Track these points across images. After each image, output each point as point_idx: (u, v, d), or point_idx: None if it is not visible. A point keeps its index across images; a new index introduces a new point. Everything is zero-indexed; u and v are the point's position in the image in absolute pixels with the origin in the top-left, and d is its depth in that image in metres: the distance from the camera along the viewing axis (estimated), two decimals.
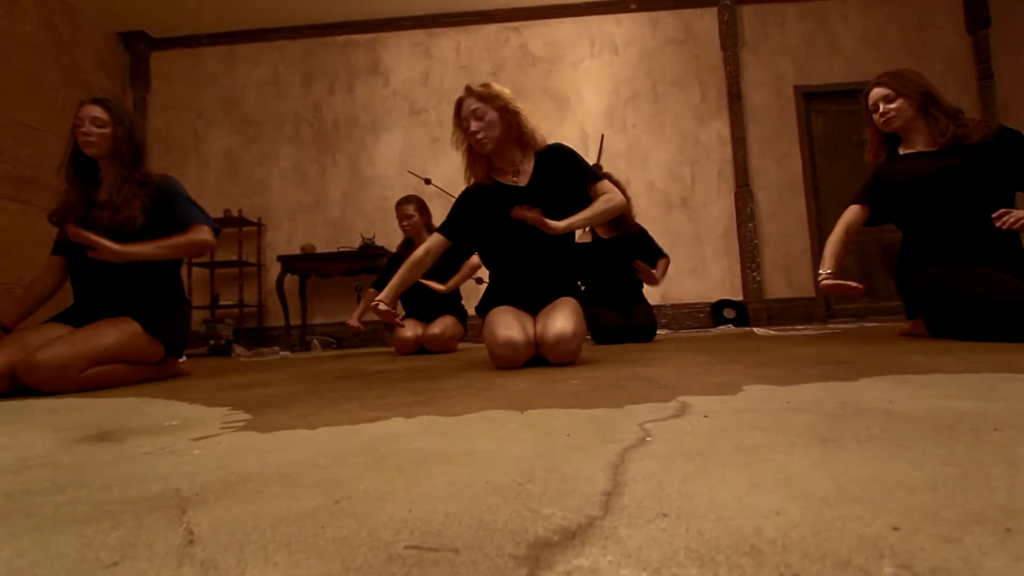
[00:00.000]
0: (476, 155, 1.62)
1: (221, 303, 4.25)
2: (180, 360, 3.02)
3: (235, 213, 4.24)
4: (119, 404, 1.13)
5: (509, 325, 1.44)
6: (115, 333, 1.58)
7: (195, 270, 4.28)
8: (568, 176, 1.59)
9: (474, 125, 1.55)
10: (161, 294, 1.75)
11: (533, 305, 1.61)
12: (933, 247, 1.70)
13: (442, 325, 2.46)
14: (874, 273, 4.28)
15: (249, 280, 4.39)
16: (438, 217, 3.40)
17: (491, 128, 1.56)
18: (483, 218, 1.61)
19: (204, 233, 1.72)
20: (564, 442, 0.55)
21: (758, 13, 4.39)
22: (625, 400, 0.79)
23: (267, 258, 4.41)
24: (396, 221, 2.75)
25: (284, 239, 4.45)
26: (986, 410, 0.58)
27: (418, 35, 4.54)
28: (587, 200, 1.57)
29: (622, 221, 2.55)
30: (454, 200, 1.72)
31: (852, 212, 1.91)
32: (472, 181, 1.66)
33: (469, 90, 1.60)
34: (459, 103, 1.60)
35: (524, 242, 1.57)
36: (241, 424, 0.79)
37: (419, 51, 4.54)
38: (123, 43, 4.57)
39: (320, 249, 4.24)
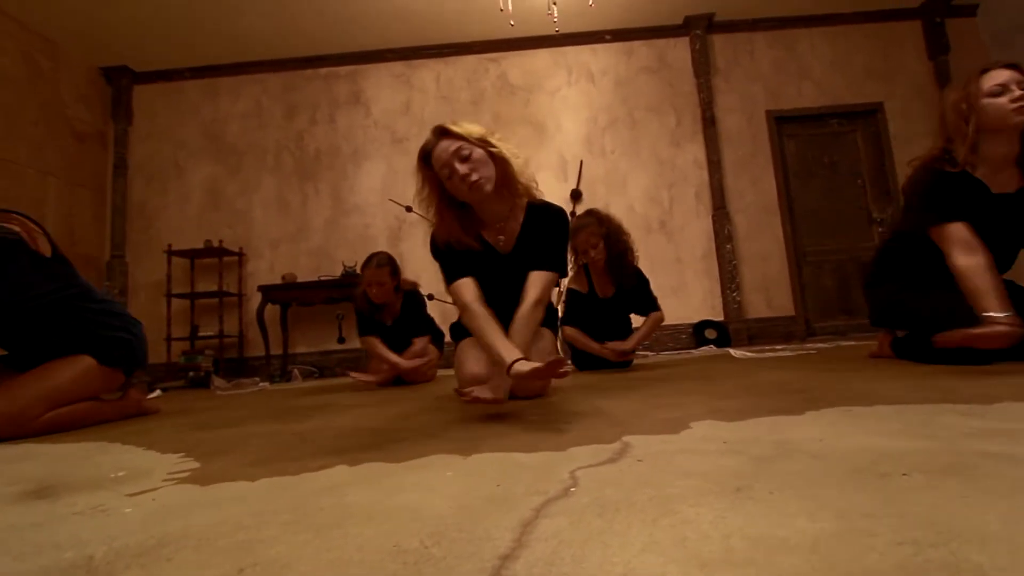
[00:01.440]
0: (453, 214, 1.37)
1: (201, 334, 4.20)
2: (152, 395, 2.99)
3: (216, 243, 4.23)
4: (73, 451, 1.11)
5: (479, 360, 1.43)
6: (69, 371, 1.55)
7: (175, 301, 4.24)
8: (546, 242, 1.41)
9: (461, 168, 1.28)
10: (99, 324, 1.67)
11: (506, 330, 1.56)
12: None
13: (418, 352, 2.45)
14: (851, 291, 4.35)
15: (230, 310, 4.35)
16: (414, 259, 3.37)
17: (484, 166, 1.30)
18: (467, 261, 1.41)
19: None
20: (490, 493, 0.55)
21: (729, 42, 4.54)
22: (571, 441, 0.79)
23: (248, 288, 4.39)
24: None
25: (266, 268, 4.44)
26: (907, 450, 0.59)
27: (398, 67, 4.63)
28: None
29: (621, 272, 2.38)
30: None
31: (960, 230, 1.42)
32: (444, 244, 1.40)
33: (441, 131, 1.33)
34: (425, 152, 1.34)
35: (504, 291, 1.40)
36: (185, 475, 0.78)
37: (400, 82, 4.62)
38: (105, 77, 4.60)
39: (302, 278, 4.23)
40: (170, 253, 4.21)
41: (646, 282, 2.52)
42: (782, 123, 4.47)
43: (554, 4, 2.78)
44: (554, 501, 0.51)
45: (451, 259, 1.40)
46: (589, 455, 0.69)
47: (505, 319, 1.33)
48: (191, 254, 4.27)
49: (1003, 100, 1.37)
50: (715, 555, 0.36)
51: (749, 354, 2.69)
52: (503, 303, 1.38)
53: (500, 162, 1.34)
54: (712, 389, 1.32)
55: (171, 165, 4.59)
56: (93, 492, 0.72)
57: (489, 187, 1.31)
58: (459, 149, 1.29)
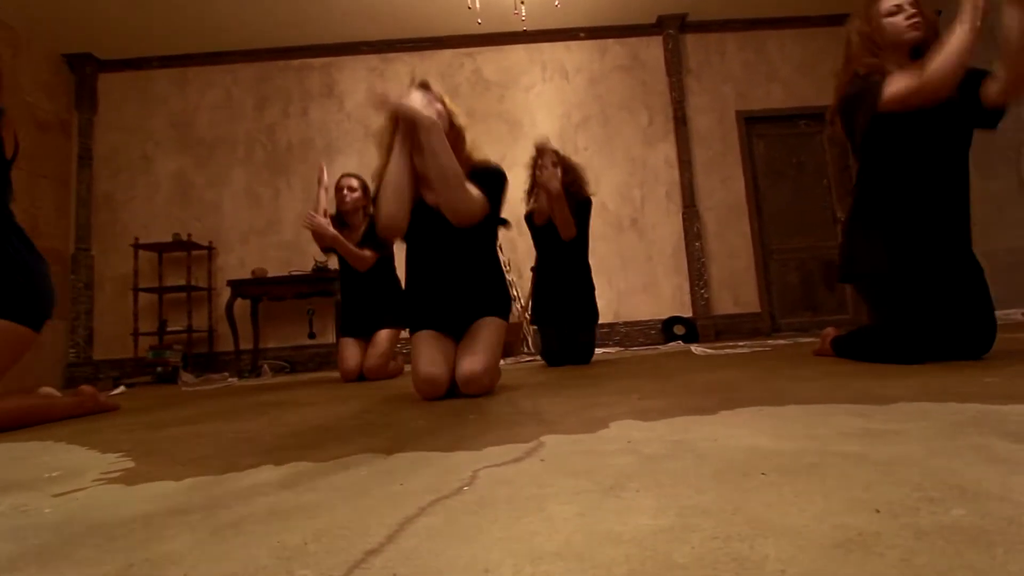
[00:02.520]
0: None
1: (170, 329, 4.15)
2: (115, 391, 2.96)
3: (185, 237, 4.18)
4: (16, 451, 1.12)
5: (432, 360, 1.46)
6: None
7: (141, 295, 4.18)
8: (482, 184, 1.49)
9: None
10: None
11: (457, 323, 1.58)
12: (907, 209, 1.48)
13: (379, 352, 2.47)
14: (816, 288, 4.48)
15: (199, 305, 4.31)
16: None
17: (440, 121, 1.44)
18: (410, 229, 1.51)
19: None
20: (389, 492, 0.59)
21: (701, 42, 4.60)
22: (492, 441, 0.83)
23: (218, 282, 4.34)
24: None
25: (236, 263, 4.39)
26: (782, 450, 0.65)
27: (373, 60, 4.60)
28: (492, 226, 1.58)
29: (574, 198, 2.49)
30: None
31: (899, 75, 1.41)
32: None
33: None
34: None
35: (439, 253, 1.53)
36: (116, 475, 0.81)
37: (374, 75, 4.59)
38: (68, 65, 4.48)
39: (272, 272, 4.20)
40: (137, 247, 4.15)
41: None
42: (752, 123, 4.56)
43: (521, 3, 2.79)
44: (443, 499, 0.55)
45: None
46: (500, 455, 0.74)
47: (441, 285, 1.53)
48: (159, 248, 4.21)
49: (899, 18, 1.50)
50: (552, 548, 0.40)
51: (709, 351, 2.77)
52: (438, 268, 1.53)
53: (456, 132, 1.50)
54: (651, 388, 1.37)
55: (138, 156, 4.51)
56: (21, 492, 0.74)
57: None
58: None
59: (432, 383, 1.43)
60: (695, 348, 2.94)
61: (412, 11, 4.18)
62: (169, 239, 4.17)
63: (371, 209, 2.43)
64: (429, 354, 1.49)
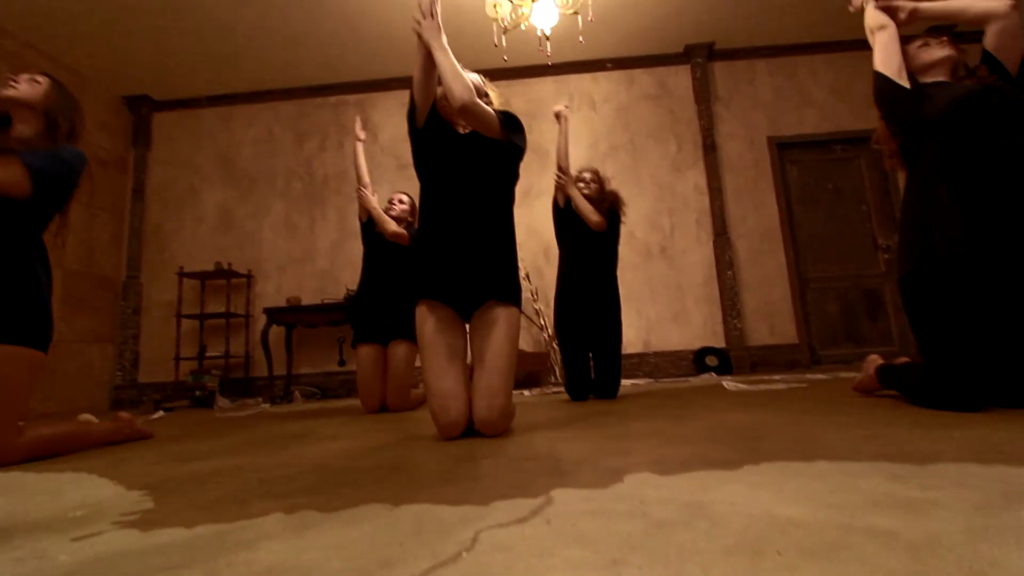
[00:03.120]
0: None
1: (209, 354, 4.31)
2: (154, 416, 3.07)
3: (226, 265, 4.36)
4: (49, 484, 1.16)
5: (444, 372, 1.44)
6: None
7: (184, 321, 4.36)
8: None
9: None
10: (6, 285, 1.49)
11: (468, 299, 1.54)
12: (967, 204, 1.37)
13: (399, 384, 2.47)
14: (858, 319, 4.28)
15: (237, 331, 4.46)
16: None
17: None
18: (429, 151, 1.59)
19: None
20: (387, 556, 0.58)
21: (729, 69, 4.58)
22: (500, 492, 0.81)
23: (255, 309, 4.49)
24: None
25: (273, 290, 4.55)
26: (803, 521, 0.60)
27: (405, 95, 4.74)
28: (512, 158, 1.60)
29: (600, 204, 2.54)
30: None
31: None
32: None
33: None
34: None
35: (457, 174, 1.56)
36: (135, 517, 0.82)
37: (406, 109, 4.73)
38: (127, 105, 4.83)
39: (307, 300, 4.32)
40: (182, 275, 4.35)
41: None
42: (784, 149, 4.47)
43: (547, 39, 2.85)
44: (439, 568, 0.53)
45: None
46: (507, 511, 0.72)
47: (456, 238, 1.53)
48: (202, 276, 4.40)
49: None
50: None
51: (741, 386, 2.66)
52: (456, 214, 1.54)
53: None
54: (674, 431, 1.32)
55: (186, 189, 4.77)
56: (43, 535, 0.76)
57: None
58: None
59: (451, 428, 1.42)
60: (727, 382, 2.83)
61: None
62: (211, 268, 4.36)
63: (416, 225, 2.61)
64: (440, 364, 1.45)
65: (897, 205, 4.30)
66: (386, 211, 2.75)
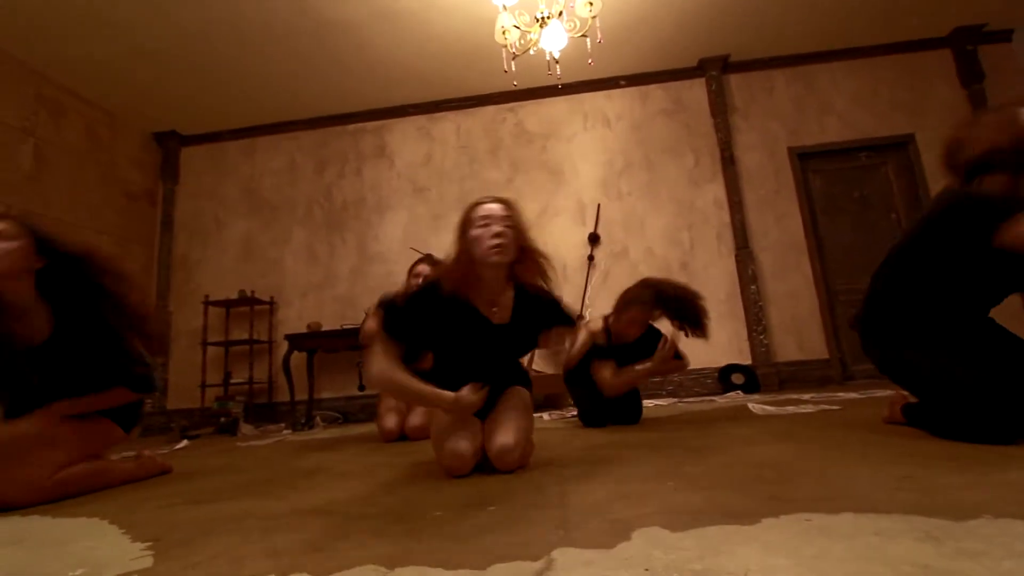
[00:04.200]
0: (468, 272, 1.42)
1: (233, 380, 4.38)
2: (179, 445, 3.12)
3: (249, 293, 4.45)
4: (60, 531, 1.17)
5: (458, 435, 1.42)
6: (67, 429, 1.60)
7: (210, 349, 4.45)
8: (543, 317, 1.55)
9: (496, 227, 1.39)
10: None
11: (484, 407, 1.54)
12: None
13: (421, 410, 2.46)
14: None
15: (260, 357, 4.53)
16: None
17: (512, 247, 1.43)
18: (447, 338, 1.47)
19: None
20: None
21: (745, 80, 4.51)
22: (500, 553, 0.78)
23: (278, 335, 4.57)
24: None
25: (295, 316, 4.62)
26: None
27: (420, 120, 4.84)
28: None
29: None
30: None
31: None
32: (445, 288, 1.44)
33: (505, 201, 1.47)
34: (480, 202, 1.47)
35: (490, 361, 1.53)
36: None
37: (421, 134, 4.82)
38: (156, 141, 5.03)
39: (327, 325, 4.37)
40: (207, 303, 4.46)
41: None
42: (806, 159, 4.36)
43: (556, 63, 2.86)
44: None
45: (418, 316, 1.42)
46: None
47: (480, 366, 1.47)
48: (226, 304, 4.50)
49: None
50: None
51: (768, 408, 2.56)
52: (488, 373, 1.47)
53: (530, 259, 1.47)
54: (691, 470, 1.26)
55: (212, 220, 4.92)
56: None
57: (504, 260, 1.42)
58: (508, 218, 1.43)
59: (459, 462, 1.39)
60: (753, 405, 2.72)
61: (455, 73, 4.38)
62: (235, 295, 4.46)
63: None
64: (454, 427, 1.45)
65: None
66: (409, 284, 2.65)
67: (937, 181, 4.12)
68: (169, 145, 5.02)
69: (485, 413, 1.53)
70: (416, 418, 2.44)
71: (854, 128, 4.32)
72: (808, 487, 1.02)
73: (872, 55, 4.36)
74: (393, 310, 1.43)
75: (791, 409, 2.49)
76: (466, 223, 1.45)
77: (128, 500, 1.48)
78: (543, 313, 1.55)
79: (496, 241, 1.39)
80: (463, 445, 1.39)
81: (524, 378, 1.66)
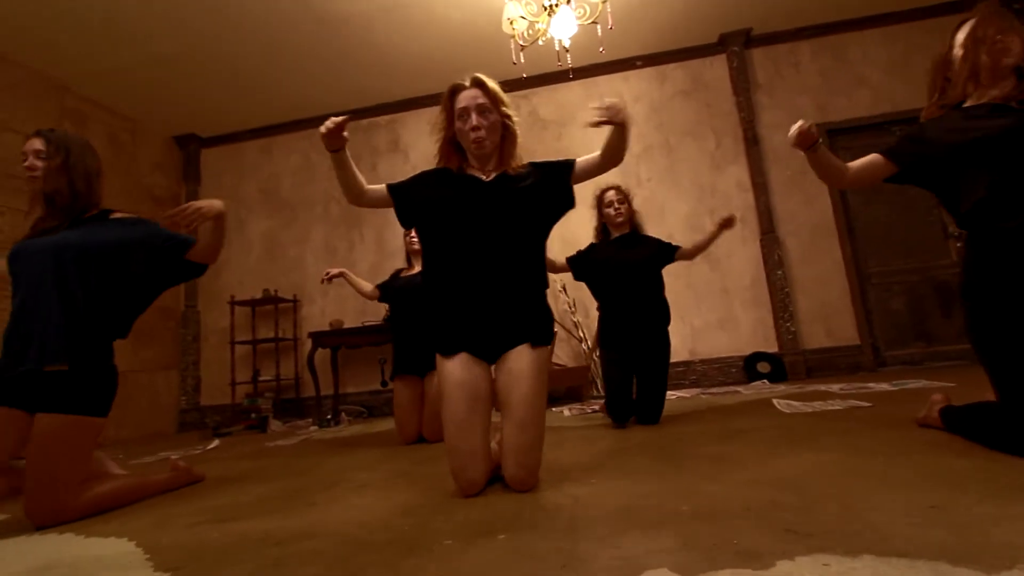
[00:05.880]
0: (453, 151, 1.54)
1: (262, 377, 4.51)
2: (212, 445, 3.22)
3: (273, 292, 4.54)
4: (86, 551, 1.22)
5: (469, 458, 1.36)
6: (62, 444, 1.50)
7: (238, 347, 4.58)
8: (540, 182, 1.51)
9: (476, 119, 1.43)
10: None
11: (493, 347, 1.43)
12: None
13: (436, 411, 2.44)
14: (928, 315, 3.93)
15: (286, 354, 4.64)
16: None
17: (493, 132, 1.47)
18: (439, 201, 1.47)
19: None
20: None
21: (769, 55, 4.30)
22: None
23: (302, 331, 4.66)
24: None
25: (317, 313, 4.70)
26: None
27: (434, 111, 4.74)
28: (550, 210, 1.53)
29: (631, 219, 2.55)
30: None
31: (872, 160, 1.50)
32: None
33: (477, 82, 1.48)
34: (455, 88, 1.49)
35: (483, 241, 1.42)
36: None
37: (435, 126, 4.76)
38: (177, 144, 5.12)
39: (349, 322, 4.44)
40: (233, 303, 4.57)
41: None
42: (835, 136, 4.15)
43: (566, 51, 2.76)
44: None
45: (410, 182, 1.56)
46: None
47: (480, 291, 1.43)
48: (252, 303, 4.61)
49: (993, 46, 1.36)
50: None
51: (795, 404, 2.49)
52: (477, 240, 1.43)
53: (509, 137, 1.52)
54: (707, 488, 1.23)
55: (234, 221, 5.00)
56: None
57: (487, 150, 1.48)
58: (483, 105, 1.45)
59: (472, 489, 1.38)
60: (778, 401, 2.65)
61: (466, 63, 4.26)
62: (260, 295, 4.56)
63: None
64: (464, 448, 1.37)
65: None
66: (409, 245, 2.87)
67: None
68: (189, 148, 5.10)
69: (494, 357, 1.45)
70: (431, 423, 2.46)
71: (887, 101, 4.09)
72: (827, 517, 0.98)
73: (905, 20, 4.09)
74: (412, 182, 1.57)
75: (818, 405, 2.42)
76: (448, 113, 1.51)
77: (159, 516, 1.54)
78: (540, 174, 1.53)
79: (476, 135, 1.45)
80: (473, 475, 1.37)
81: (544, 319, 1.49)
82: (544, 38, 2.72)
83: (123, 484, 1.76)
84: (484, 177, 1.51)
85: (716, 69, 4.36)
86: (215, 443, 3.37)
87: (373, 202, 1.55)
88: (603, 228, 2.60)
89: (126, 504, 1.71)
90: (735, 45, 4.25)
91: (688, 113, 4.36)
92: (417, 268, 2.78)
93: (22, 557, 1.25)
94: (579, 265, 2.57)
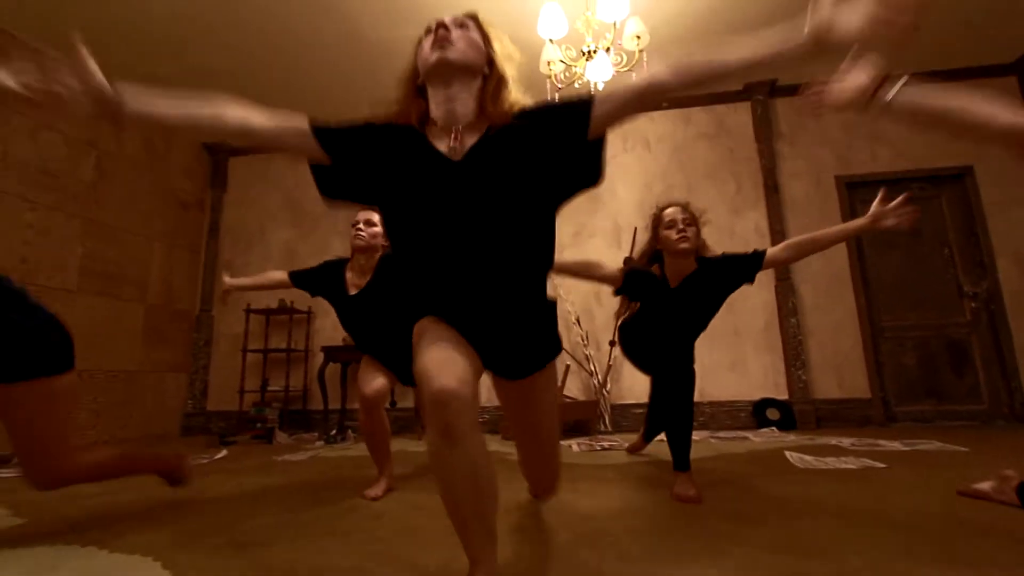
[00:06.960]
0: (415, 97, 1.10)
1: (270, 387, 4.53)
2: (219, 455, 3.23)
3: (288, 303, 4.59)
4: (101, 571, 1.24)
5: (449, 360, 0.98)
6: (34, 409, 1.40)
7: (249, 355, 4.61)
8: (538, 146, 1.04)
9: (454, 32, 1.05)
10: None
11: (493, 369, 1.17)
12: None
13: (380, 391, 2.15)
14: (939, 372, 3.93)
15: (296, 365, 4.67)
16: None
17: (470, 47, 1.05)
18: (395, 177, 1.06)
19: None
20: None
21: (793, 105, 4.39)
22: None
23: (314, 344, 4.69)
24: None
25: (330, 326, 4.72)
26: None
27: None
28: (551, 177, 1.07)
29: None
30: None
31: None
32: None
33: (470, 14, 1.11)
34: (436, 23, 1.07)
35: (458, 245, 1.02)
36: None
37: None
38: (207, 151, 5.24)
39: None
40: (248, 311, 4.62)
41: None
42: (854, 188, 4.21)
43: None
44: None
45: (349, 128, 1.10)
46: None
47: (444, 257, 1.04)
48: (267, 312, 4.65)
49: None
50: None
51: (807, 459, 2.49)
52: (442, 232, 1.03)
53: (495, 77, 1.06)
54: (726, 548, 1.24)
55: (256, 229, 5.09)
56: None
57: (455, 59, 1.02)
58: (461, 20, 1.07)
59: (440, 392, 0.90)
60: (790, 454, 2.65)
61: None
62: (275, 304, 4.60)
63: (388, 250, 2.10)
64: (437, 356, 0.97)
65: (985, 248, 3.93)
66: (353, 239, 2.19)
67: (995, 215, 3.94)
68: (218, 155, 5.22)
69: (505, 373, 1.19)
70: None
71: (908, 158, 4.15)
72: None
73: (931, 81, 4.17)
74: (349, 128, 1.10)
75: (831, 461, 2.42)
76: (417, 47, 1.10)
77: (181, 533, 1.55)
78: (540, 130, 1.03)
79: (448, 38, 1.03)
80: (446, 381, 0.91)
81: (555, 349, 1.23)
82: (580, 81, 2.80)
83: (115, 459, 1.69)
84: (452, 155, 1.03)
85: (740, 115, 4.44)
86: (223, 452, 3.38)
87: (268, 141, 1.08)
88: (656, 255, 2.05)
89: (121, 476, 1.69)
90: (760, 94, 4.34)
91: (710, 156, 4.43)
92: (364, 275, 2.20)
93: (42, 571, 1.27)
94: (634, 293, 2.10)
